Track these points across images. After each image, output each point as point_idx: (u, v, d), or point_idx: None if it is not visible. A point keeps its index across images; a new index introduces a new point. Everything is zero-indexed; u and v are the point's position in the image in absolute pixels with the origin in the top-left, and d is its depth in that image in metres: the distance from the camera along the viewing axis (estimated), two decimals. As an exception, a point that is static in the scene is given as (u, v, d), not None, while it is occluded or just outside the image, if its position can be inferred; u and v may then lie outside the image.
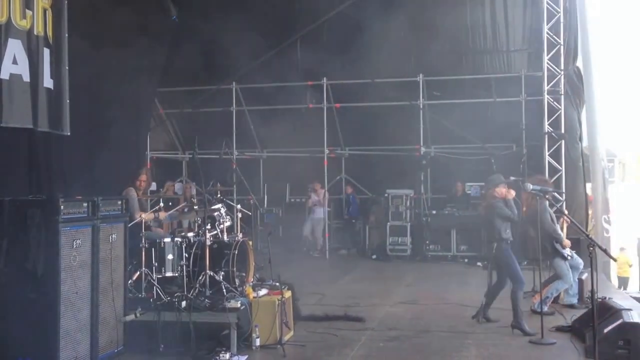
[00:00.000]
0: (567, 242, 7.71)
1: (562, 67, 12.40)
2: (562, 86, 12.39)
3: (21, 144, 6.42)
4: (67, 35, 6.95)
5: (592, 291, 5.23)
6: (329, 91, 14.08)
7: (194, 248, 6.76)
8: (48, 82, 6.67)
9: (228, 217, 7.48)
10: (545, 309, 7.61)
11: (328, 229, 14.07)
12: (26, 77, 6.30)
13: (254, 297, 6.36)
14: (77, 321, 5.27)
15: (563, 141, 12.38)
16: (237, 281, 6.67)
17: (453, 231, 12.81)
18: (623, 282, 16.18)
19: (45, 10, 6.59)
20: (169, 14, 9.22)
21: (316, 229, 13.88)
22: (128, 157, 7.97)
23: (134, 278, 6.46)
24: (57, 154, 6.71)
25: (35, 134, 6.49)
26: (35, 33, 6.43)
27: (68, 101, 7.07)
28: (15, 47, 6.11)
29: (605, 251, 5.67)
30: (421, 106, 13.71)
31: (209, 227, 6.81)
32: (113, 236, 5.78)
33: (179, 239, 6.78)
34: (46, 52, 6.62)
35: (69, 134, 7.08)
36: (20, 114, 6.24)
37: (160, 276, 6.58)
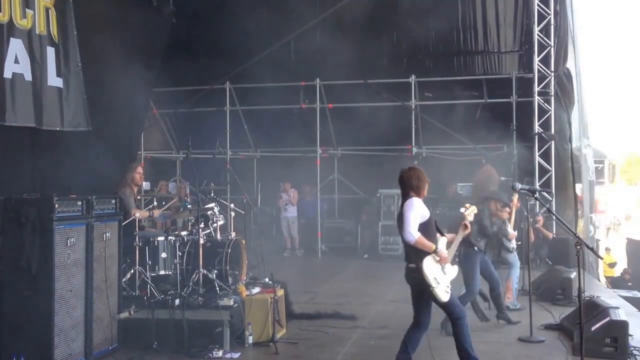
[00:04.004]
0: (513, 235, 7.72)
1: (553, 69, 12.54)
2: (552, 87, 12.53)
3: (23, 142, 6.44)
4: (75, 32, 6.97)
5: (579, 289, 5.31)
6: (322, 91, 14.15)
7: (188, 246, 6.82)
8: (55, 81, 6.68)
9: (221, 216, 7.54)
10: (518, 305, 7.73)
11: (320, 229, 14.15)
12: (28, 77, 6.32)
13: (247, 295, 6.41)
14: (71, 318, 5.32)
15: (553, 142, 12.52)
16: (230, 279, 6.73)
17: (444, 231, 12.85)
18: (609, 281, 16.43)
19: (47, 9, 6.59)
20: (164, 14, 9.22)
21: (291, 228, 13.98)
22: (121, 156, 7.98)
23: (128, 276, 6.50)
24: (52, 152, 6.72)
25: (36, 132, 6.52)
26: (37, 32, 6.44)
27: (85, 97, 7.12)
28: (16, 47, 6.14)
29: (593, 250, 5.76)
30: (413, 107, 13.81)
31: (202, 225, 6.87)
32: (107, 234, 5.83)
33: (173, 238, 6.83)
34: (50, 51, 6.63)
35: (90, 128, 7.15)
36: (22, 112, 6.26)
37: (154, 274, 6.63)
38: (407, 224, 4.93)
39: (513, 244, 7.72)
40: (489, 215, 6.95)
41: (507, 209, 7.08)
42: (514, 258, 7.81)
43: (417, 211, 5.02)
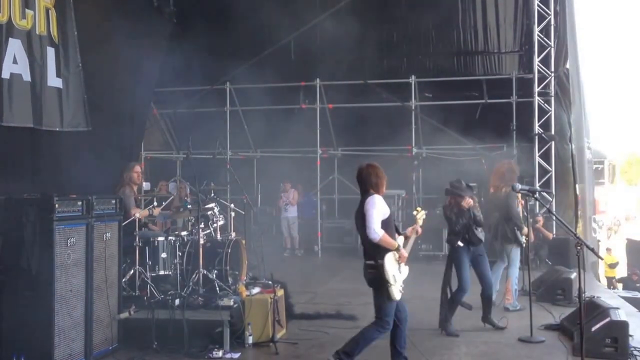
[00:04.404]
0: (526, 230, 7.72)
1: (553, 69, 12.54)
2: (552, 88, 12.54)
3: (23, 143, 6.45)
4: (76, 33, 6.99)
5: (579, 290, 5.32)
6: (322, 92, 14.15)
7: (188, 247, 6.82)
8: (54, 81, 6.70)
9: (221, 216, 7.54)
10: (518, 306, 7.73)
11: (320, 229, 14.14)
12: (26, 77, 6.33)
13: (247, 295, 6.41)
14: (71, 319, 5.32)
15: (553, 142, 12.52)
16: (230, 279, 6.74)
17: (444, 231, 12.85)
18: (610, 281, 16.40)
19: (47, 10, 6.61)
20: (165, 14, 9.22)
21: (292, 228, 13.99)
22: (123, 157, 7.99)
23: (128, 276, 6.50)
24: (52, 152, 6.73)
25: (36, 133, 6.53)
26: (37, 32, 6.45)
27: (85, 97, 7.13)
28: (15, 47, 6.14)
29: (593, 250, 5.75)
30: (413, 107, 13.82)
31: (202, 226, 6.87)
32: (107, 234, 5.83)
33: (173, 238, 6.83)
34: (50, 51, 6.65)
35: (90, 128, 7.15)
36: (20, 113, 6.26)
37: (154, 274, 6.63)
38: (370, 222, 4.91)
39: (523, 240, 7.71)
40: (449, 210, 6.95)
41: (468, 199, 6.93)
42: (516, 254, 7.79)
43: (379, 209, 5.00)
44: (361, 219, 5.01)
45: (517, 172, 7.85)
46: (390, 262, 4.95)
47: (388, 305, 5.01)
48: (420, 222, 5.37)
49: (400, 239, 5.16)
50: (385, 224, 5.00)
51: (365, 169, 5.18)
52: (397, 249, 5.01)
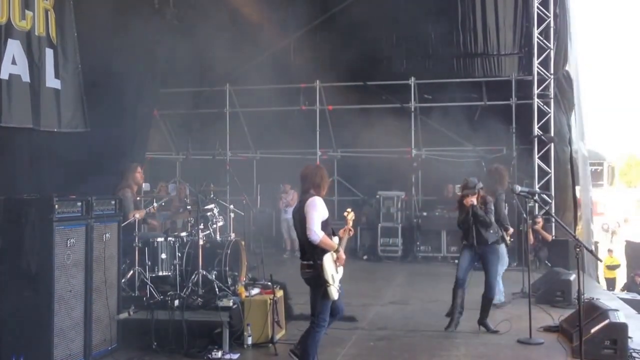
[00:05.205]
0: (512, 230, 7.73)
1: (552, 71, 12.56)
2: (551, 90, 12.56)
3: (23, 143, 6.46)
4: (75, 34, 7.00)
5: (578, 291, 5.34)
6: (322, 93, 14.17)
7: (187, 247, 6.82)
8: (53, 82, 6.71)
9: (221, 217, 7.54)
10: (503, 299, 7.74)
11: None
12: (25, 78, 6.34)
13: (246, 296, 6.41)
14: (70, 319, 5.32)
15: (552, 144, 12.54)
16: (229, 280, 6.73)
17: (443, 232, 12.91)
18: (610, 283, 16.40)
19: (47, 11, 6.64)
20: (166, 16, 9.20)
21: (291, 229, 13.95)
22: (125, 157, 8.00)
23: (128, 277, 6.50)
24: (52, 153, 6.73)
25: (36, 133, 6.53)
26: (36, 34, 6.47)
27: (84, 98, 7.14)
28: (14, 48, 6.16)
29: (592, 252, 5.78)
30: (412, 109, 13.83)
31: (201, 226, 6.87)
32: (107, 235, 5.82)
33: (172, 239, 6.83)
34: (49, 52, 6.66)
35: (89, 129, 7.16)
36: (19, 114, 6.27)
37: (154, 275, 6.63)
38: (311, 223, 4.96)
39: (509, 240, 7.71)
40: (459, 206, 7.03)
41: (468, 199, 6.90)
42: (501, 251, 7.81)
43: (320, 211, 5.05)
44: (301, 219, 5.05)
45: (505, 176, 7.89)
46: (328, 262, 5.02)
47: (324, 303, 5.09)
48: (350, 223, 5.41)
49: (336, 240, 5.20)
50: (324, 226, 5.06)
51: (312, 169, 5.29)
52: (337, 250, 5.08)
